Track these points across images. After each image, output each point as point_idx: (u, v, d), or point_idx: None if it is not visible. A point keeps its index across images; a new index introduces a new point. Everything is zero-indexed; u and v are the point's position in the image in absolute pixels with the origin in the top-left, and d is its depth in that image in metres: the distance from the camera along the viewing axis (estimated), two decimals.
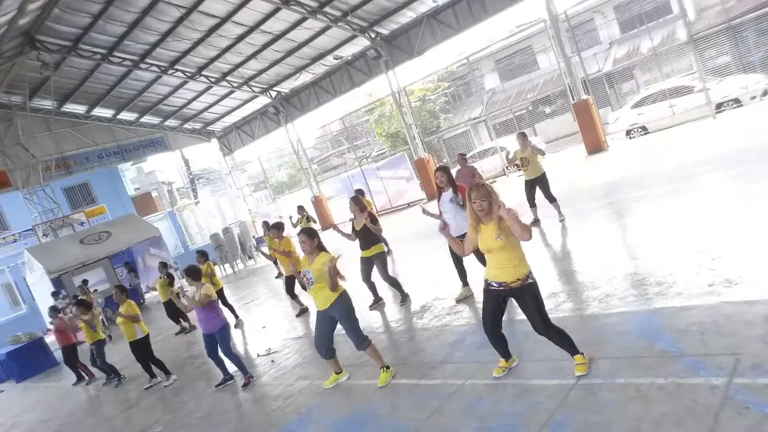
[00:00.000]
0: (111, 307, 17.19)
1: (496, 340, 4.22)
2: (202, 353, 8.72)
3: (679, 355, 3.68)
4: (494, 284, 4.02)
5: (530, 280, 3.90)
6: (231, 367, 6.81)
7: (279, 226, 9.43)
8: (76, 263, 17.66)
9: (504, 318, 4.22)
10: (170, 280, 10.99)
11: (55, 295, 16.42)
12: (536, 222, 9.02)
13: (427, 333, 5.98)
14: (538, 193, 8.95)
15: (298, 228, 13.18)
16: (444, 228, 4.32)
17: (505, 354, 4.34)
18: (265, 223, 12.45)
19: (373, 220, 7.35)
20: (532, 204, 9.05)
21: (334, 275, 4.92)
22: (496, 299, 4.06)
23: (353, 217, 7.40)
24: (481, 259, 5.53)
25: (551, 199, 8.83)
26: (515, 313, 5.17)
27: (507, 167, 9.24)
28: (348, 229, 7.47)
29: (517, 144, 9.14)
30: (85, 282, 17.72)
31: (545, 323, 3.93)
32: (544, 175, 8.84)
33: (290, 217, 13.49)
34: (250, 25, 16.56)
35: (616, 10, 25.11)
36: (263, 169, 28.18)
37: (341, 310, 5.07)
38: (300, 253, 6.12)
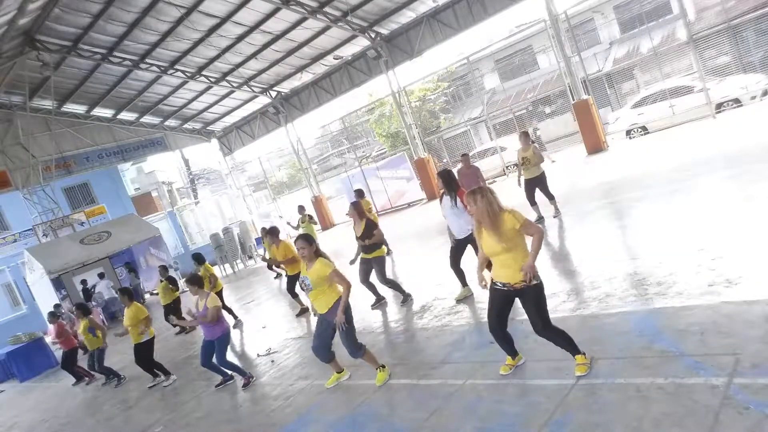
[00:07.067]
0: (113, 305, 17.24)
1: (501, 338, 4.22)
2: None
3: (679, 355, 3.68)
4: (499, 284, 4.02)
5: (535, 282, 3.87)
6: None
7: (274, 232, 9.39)
8: (76, 263, 17.63)
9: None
10: (173, 283, 10.99)
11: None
12: (540, 219, 9.12)
13: (427, 333, 5.98)
14: (538, 192, 9.15)
15: (300, 230, 13.16)
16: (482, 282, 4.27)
17: (512, 352, 4.33)
18: (263, 230, 12.48)
19: (372, 225, 7.34)
20: (533, 203, 9.23)
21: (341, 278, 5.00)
22: (501, 299, 4.05)
23: (353, 222, 7.44)
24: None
25: (550, 197, 9.17)
26: (516, 314, 5.16)
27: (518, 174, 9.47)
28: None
29: (519, 143, 9.29)
30: (84, 282, 17.77)
31: (545, 325, 3.92)
32: (543, 174, 9.11)
33: (287, 223, 13.35)
34: (250, 25, 16.56)
35: (616, 10, 25.09)
36: (263, 169, 28.15)
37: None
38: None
